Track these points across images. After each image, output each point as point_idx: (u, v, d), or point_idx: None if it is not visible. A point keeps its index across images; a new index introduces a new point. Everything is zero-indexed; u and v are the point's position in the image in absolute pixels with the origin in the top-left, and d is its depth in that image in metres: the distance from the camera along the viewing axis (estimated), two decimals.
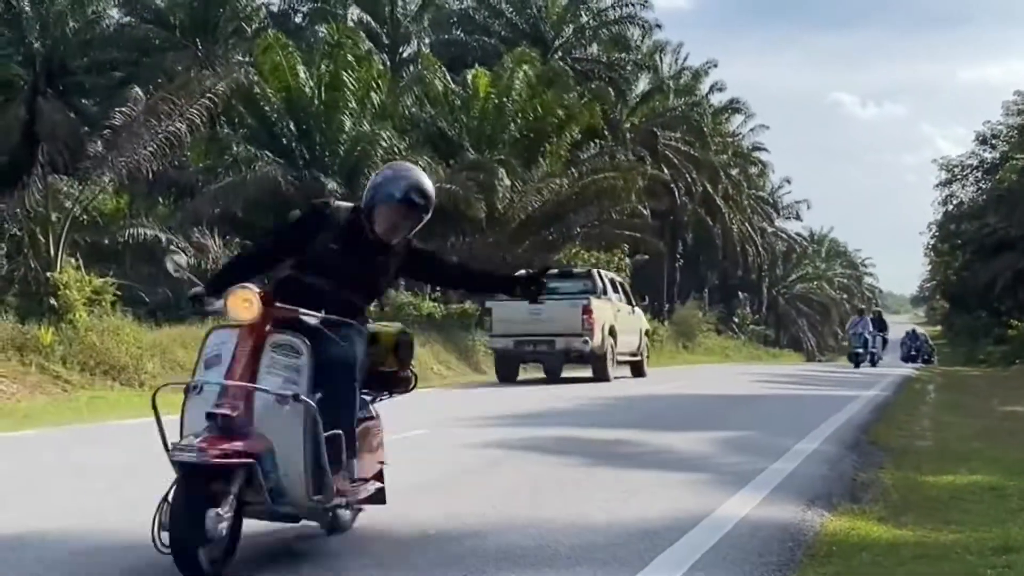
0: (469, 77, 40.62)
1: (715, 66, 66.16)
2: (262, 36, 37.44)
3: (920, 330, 63.12)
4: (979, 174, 62.23)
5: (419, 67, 40.89)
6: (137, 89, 25.31)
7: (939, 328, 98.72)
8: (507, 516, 7.71)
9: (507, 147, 38.40)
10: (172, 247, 28.13)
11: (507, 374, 26.08)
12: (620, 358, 27.20)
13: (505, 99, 38.56)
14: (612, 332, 26.19)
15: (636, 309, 29.41)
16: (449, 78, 40.06)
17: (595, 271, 28.50)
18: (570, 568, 6.23)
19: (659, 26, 56.30)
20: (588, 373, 26.20)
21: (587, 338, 25.10)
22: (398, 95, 37.70)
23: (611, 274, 30.34)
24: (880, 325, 40.81)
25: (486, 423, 14.82)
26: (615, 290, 28.12)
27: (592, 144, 44.67)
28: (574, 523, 7.50)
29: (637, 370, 28.48)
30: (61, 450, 11.82)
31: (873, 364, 38.34)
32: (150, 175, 27.13)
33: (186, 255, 28.39)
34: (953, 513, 8.23)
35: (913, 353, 53.87)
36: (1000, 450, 12.40)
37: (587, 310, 25.19)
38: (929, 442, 13.49)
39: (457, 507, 7.95)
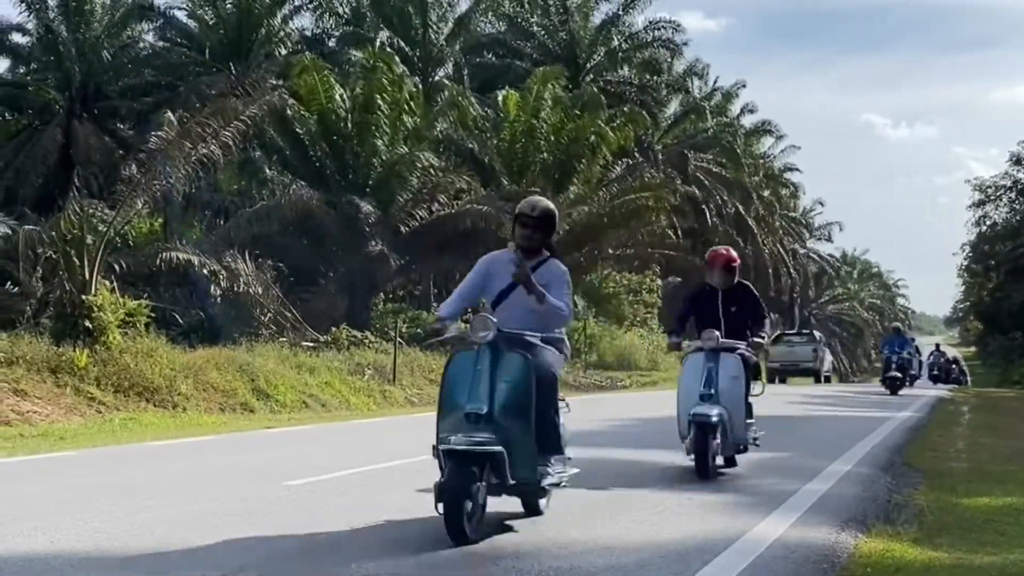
0: (500, 99, 40.73)
1: (744, 86, 66.22)
2: (298, 58, 37.67)
3: (946, 347, 61.82)
4: (1013, 195, 61.83)
5: (451, 92, 41.02)
6: (169, 114, 25.48)
7: (973, 349, 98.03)
8: (540, 537, 7.71)
9: (538, 169, 38.44)
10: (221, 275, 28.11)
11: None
12: (825, 373, 48.14)
13: (535, 120, 38.64)
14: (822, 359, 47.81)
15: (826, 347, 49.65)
16: (476, 103, 40.16)
17: (815, 332, 54.11)
18: None
19: (685, 48, 56.12)
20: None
21: (814, 362, 47.15)
22: (432, 119, 37.84)
23: (818, 333, 54.94)
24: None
25: None
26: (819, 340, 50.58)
27: (622, 163, 44.67)
28: (606, 544, 7.48)
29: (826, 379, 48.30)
30: (97, 471, 11.88)
31: (910, 385, 35.53)
32: (183, 198, 27.32)
33: (219, 278, 28.49)
34: (988, 535, 8.18)
35: (936, 372, 50.15)
36: None
37: (815, 349, 47.96)
38: (964, 463, 13.39)
39: (490, 528, 7.95)
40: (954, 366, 55.79)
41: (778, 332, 52.19)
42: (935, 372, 50.80)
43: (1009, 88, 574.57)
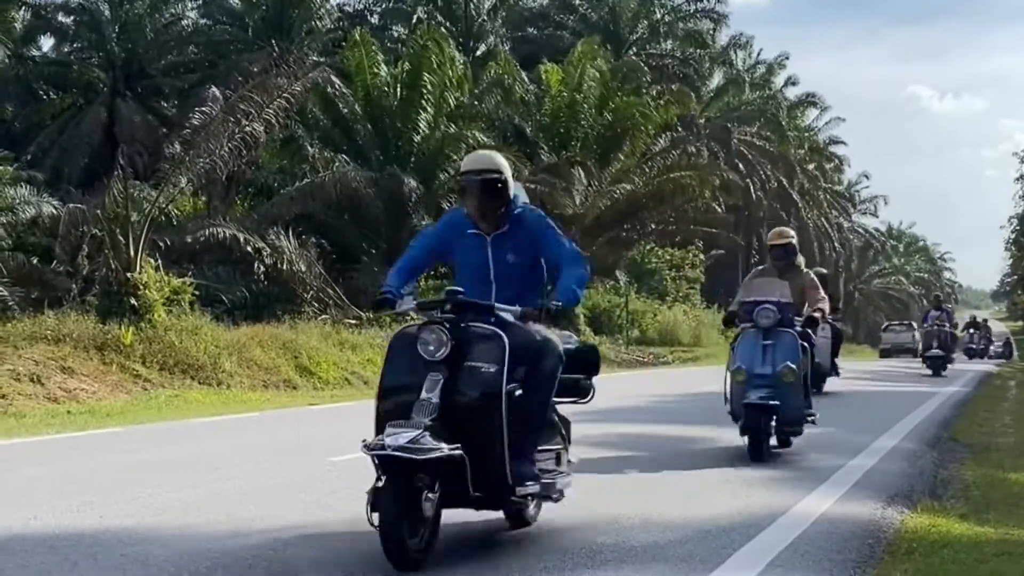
0: (542, 72, 40.62)
1: (787, 58, 65.72)
2: (349, 34, 37.66)
3: (992, 321, 60.14)
4: None
5: (496, 67, 40.94)
6: (214, 89, 25.55)
7: (1021, 323, 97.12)
8: (582, 513, 7.70)
9: (580, 144, 38.34)
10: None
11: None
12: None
13: (577, 94, 38.50)
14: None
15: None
16: (524, 77, 40.06)
17: (912, 322, 56.00)
18: (646, 565, 6.21)
19: (727, 19, 55.72)
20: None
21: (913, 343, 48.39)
22: (478, 95, 37.78)
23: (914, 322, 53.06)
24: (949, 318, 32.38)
25: None
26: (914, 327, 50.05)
27: (665, 137, 44.45)
28: (649, 520, 7.48)
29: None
30: (143, 448, 11.99)
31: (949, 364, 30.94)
32: (226, 176, 27.42)
33: (263, 256, 28.61)
34: None
35: (972, 346, 46.99)
36: None
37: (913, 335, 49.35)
38: (1011, 438, 13.28)
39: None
40: (997, 341, 54.53)
41: (885, 324, 61.72)
42: (969, 346, 48.72)
43: None
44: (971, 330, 50.04)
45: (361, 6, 48.98)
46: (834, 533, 7.15)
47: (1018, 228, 65.99)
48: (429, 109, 34.41)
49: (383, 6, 49.24)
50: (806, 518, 7.58)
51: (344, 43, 36.25)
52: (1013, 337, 64.38)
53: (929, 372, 28.72)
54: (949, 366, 30.34)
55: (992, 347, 51.90)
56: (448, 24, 47.13)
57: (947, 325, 30.66)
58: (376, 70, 34.36)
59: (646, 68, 42.78)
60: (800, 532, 7.11)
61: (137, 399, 17.86)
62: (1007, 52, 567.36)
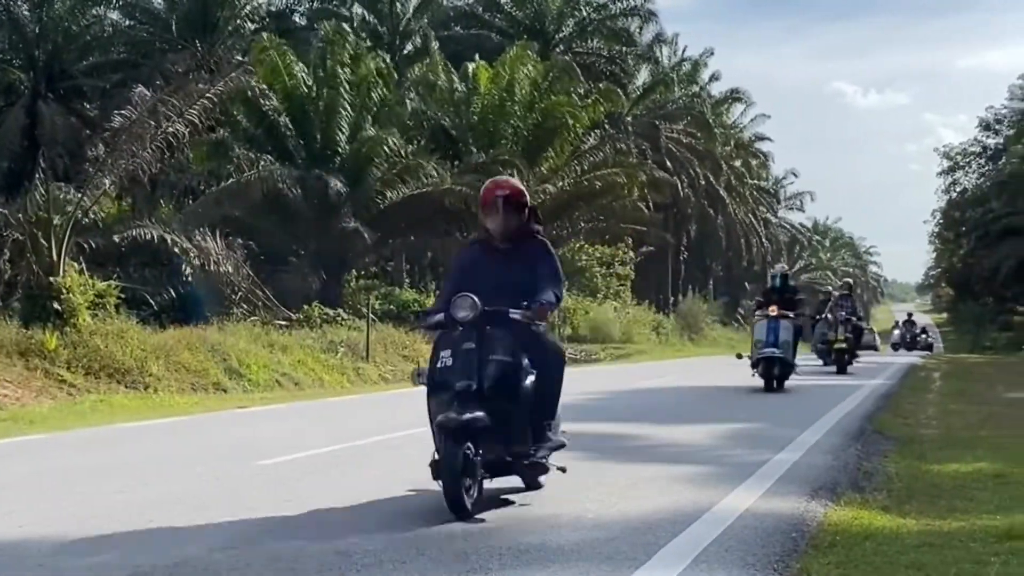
0: (470, 70, 40.53)
1: (712, 54, 66.11)
2: (258, 38, 37.38)
3: (917, 315, 62.04)
4: (982, 161, 62.25)
5: (423, 65, 40.79)
6: (138, 90, 25.23)
7: (945, 315, 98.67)
8: (510, 512, 7.74)
9: (510, 144, 38.34)
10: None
11: None
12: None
13: (507, 95, 38.50)
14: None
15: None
16: (445, 77, 39.95)
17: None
18: (572, 563, 6.23)
19: (656, 17, 55.96)
20: None
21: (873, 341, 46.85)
22: (402, 94, 37.65)
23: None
24: (854, 307, 29.22)
25: None
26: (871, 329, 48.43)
27: (593, 134, 44.54)
28: (577, 518, 7.51)
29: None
30: (68, 454, 11.83)
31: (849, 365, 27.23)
32: (150, 178, 27.11)
33: (189, 257, 28.32)
34: (957, 501, 8.24)
35: (898, 342, 50.99)
36: (1005, 437, 12.41)
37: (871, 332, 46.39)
38: (934, 430, 13.50)
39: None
40: (923, 335, 56.14)
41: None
42: (899, 341, 50.98)
43: (978, 54, 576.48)
44: (903, 327, 52.16)
45: (284, 5, 48.52)
46: (759, 528, 7.22)
47: (941, 222, 67.17)
48: (353, 108, 34.22)
49: (309, 6, 48.89)
50: (732, 513, 7.65)
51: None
52: (938, 330, 65.44)
53: (834, 369, 26.54)
54: (856, 362, 27.85)
55: (919, 339, 53.46)
56: (376, 23, 47.00)
57: (844, 313, 27.64)
58: (293, 71, 34.08)
59: (578, 69, 42.80)
60: (725, 527, 7.18)
61: (62, 405, 17.60)
62: (929, 48, 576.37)
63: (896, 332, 56.35)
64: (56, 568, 6.21)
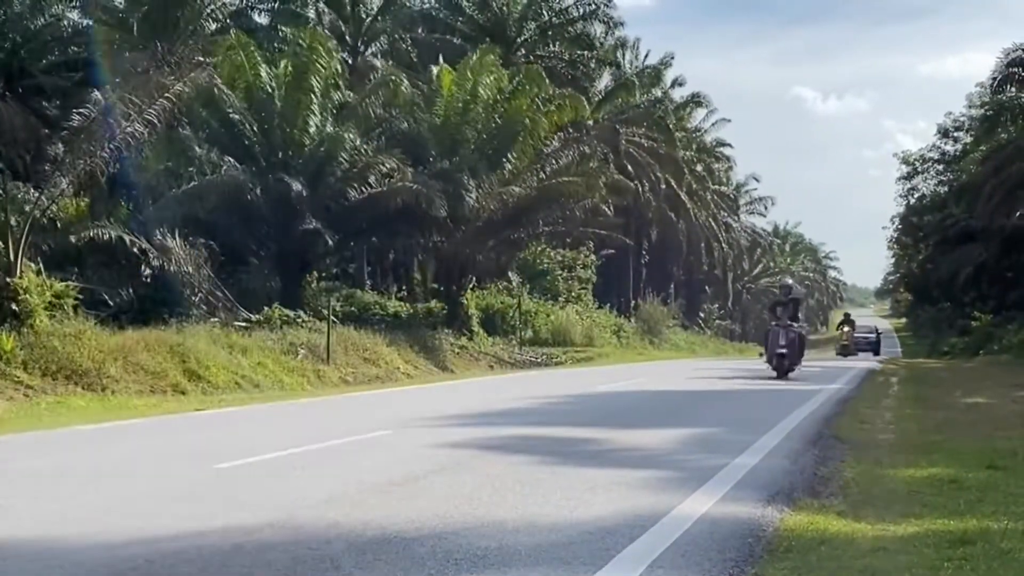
0: (434, 73, 40.43)
1: (673, 58, 66.12)
2: (224, 36, 37.14)
3: (867, 318, 62.83)
4: (940, 167, 62.75)
5: (384, 68, 40.62)
6: (97, 91, 25.02)
7: (903, 320, 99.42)
8: (469, 516, 7.72)
9: (472, 147, 38.31)
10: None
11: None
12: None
13: (471, 98, 38.43)
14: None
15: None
16: (407, 80, 39.81)
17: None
18: (530, 568, 6.24)
19: (622, 23, 56.14)
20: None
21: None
22: (364, 96, 37.51)
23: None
24: (794, 311, 28.71)
25: (450, 423, 14.82)
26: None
27: (556, 138, 44.50)
28: (535, 523, 7.51)
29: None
30: (23, 456, 11.71)
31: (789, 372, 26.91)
32: (109, 178, 26.89)
33: (149, 258, 28.11)
34: (912, 506, 8.30)
35: (845, 343, 51.92)
36: (960, 442, 12.51)
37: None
38: (890, 435, 13.59)
39: (419, 508, 7.95)
40: (871, 336, 56.98)
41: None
42: (845, 342, 51.68)
43: (937, 60, 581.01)
44: (844, 328, 52.72)
45: (244, 5, 48.17)
46: (715, 533, 7.25)
47: (900, 227, 67.63)
48: (316, 111, 34.06)
49: (272, 5, 48.60)
50: (688, 518, 7.68)
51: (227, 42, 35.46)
52: (896, 334, 65.86)
53: (775, 374, 26.29)
54: (797, 368, 27.18)
55: (860, 342, 54.21)
56: (340, 25, 46.79)
57: (786, 318, 27.38)
58: (257, 71, 33.89)
59: (545, 77, 42.72)
60: (682, 532, 7.20)
61: (19, 406, 17.44)
62: (888, 54, 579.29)
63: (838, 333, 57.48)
64: (6, 571, 6.15)
